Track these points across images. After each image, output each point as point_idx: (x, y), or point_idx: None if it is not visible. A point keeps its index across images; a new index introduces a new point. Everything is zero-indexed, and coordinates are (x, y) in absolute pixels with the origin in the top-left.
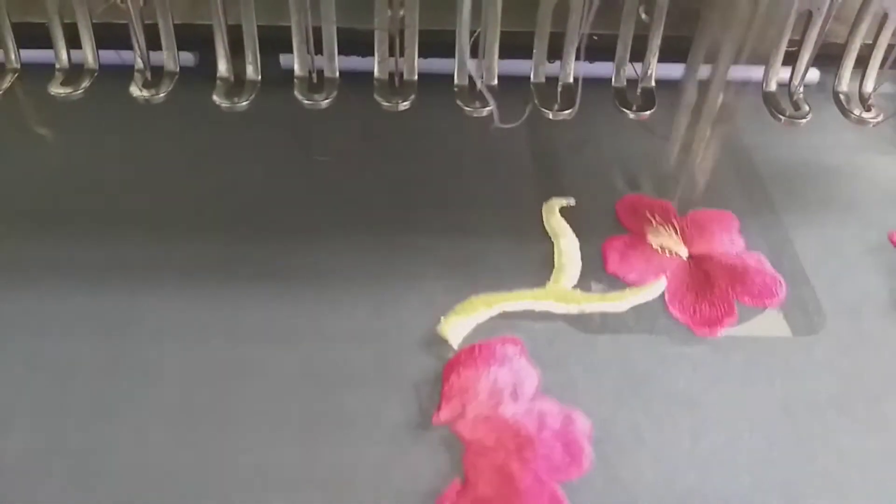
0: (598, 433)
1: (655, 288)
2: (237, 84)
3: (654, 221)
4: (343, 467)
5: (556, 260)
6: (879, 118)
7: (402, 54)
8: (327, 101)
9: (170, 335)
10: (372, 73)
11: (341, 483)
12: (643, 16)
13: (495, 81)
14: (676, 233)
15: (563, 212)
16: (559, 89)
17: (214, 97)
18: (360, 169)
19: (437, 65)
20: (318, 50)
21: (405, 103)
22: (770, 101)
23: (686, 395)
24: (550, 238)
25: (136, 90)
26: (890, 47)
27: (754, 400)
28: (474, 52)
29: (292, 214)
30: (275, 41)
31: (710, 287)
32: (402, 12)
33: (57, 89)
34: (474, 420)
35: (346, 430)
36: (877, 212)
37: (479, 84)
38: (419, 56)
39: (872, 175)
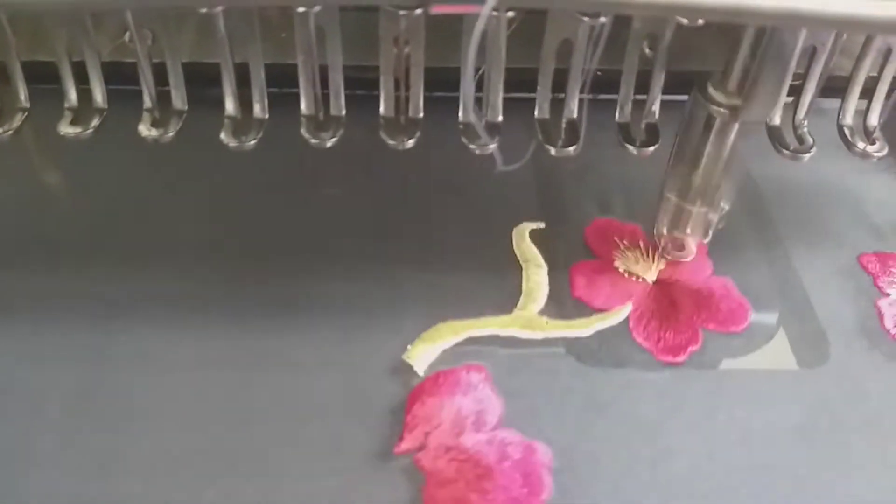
0: (559, 463)
1: (620, 314)
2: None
3: (621, 246)
4: (302, 497)
5: (523, 285)
6: (884, 151)
7: (407, 92)
8: (333, 139)
9: (141, 362)
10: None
11: None
12: (647, 51)
13: (500, 118)
14: (644, 257)
15: (533, 236)
16: (563, 125)
17: (222, 136)
18: (332, 197)
19: (442, 99)
20: (325, 87)
21: (410, 141)
22: (774, 134)
23: (647, 423)
24: (520, 263)
25: (144, 129)
26: (895, 80)
27: (715, 427)
28: (479, 89)
29: (263, 244)
30: (282, 78)
31: (675, 313)
32: (407, 50)
33: (66, 129)
34: (436, 450)
35: (308, 459)
36: (847, 234)
37: (478, 128)
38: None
39: (844, 196)
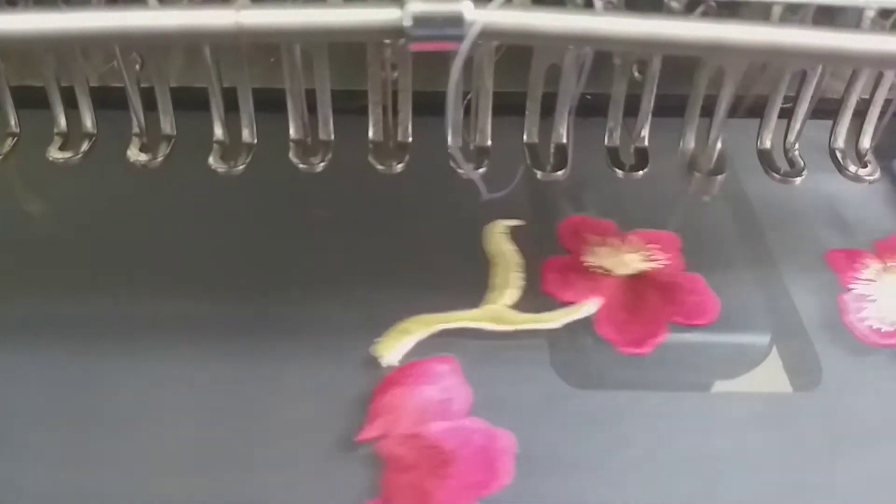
0: (521, 450)
1: (588, 307)
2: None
3: (593, 241)
4: (263, 486)
5: (494, 280)
6: (876, 175)
7: (395, 116)
8: (322, 163)
9: (127, 372)
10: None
11: (258, 502)
12: (636, 75)
13: (488, 143)
14: (615, 253)
15: (506, 233)
16: (552, 149)
17: (210, 161)
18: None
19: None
20: (312, 111)
21: (400, 165)
22: (764, 158)
23: (608, 412)
24: (491, 259)
25: (133, 154)
26: (887, 102)
27: (674, 416)
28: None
29: (242, 253)
30: (270, 103)
31: (642, 307)
32: (395, 74)
33: (56, 154)
34: (398, 438)
35: (273, 448)
36: (814, 230)
37: (459, 157)
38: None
39: (812, 192)
